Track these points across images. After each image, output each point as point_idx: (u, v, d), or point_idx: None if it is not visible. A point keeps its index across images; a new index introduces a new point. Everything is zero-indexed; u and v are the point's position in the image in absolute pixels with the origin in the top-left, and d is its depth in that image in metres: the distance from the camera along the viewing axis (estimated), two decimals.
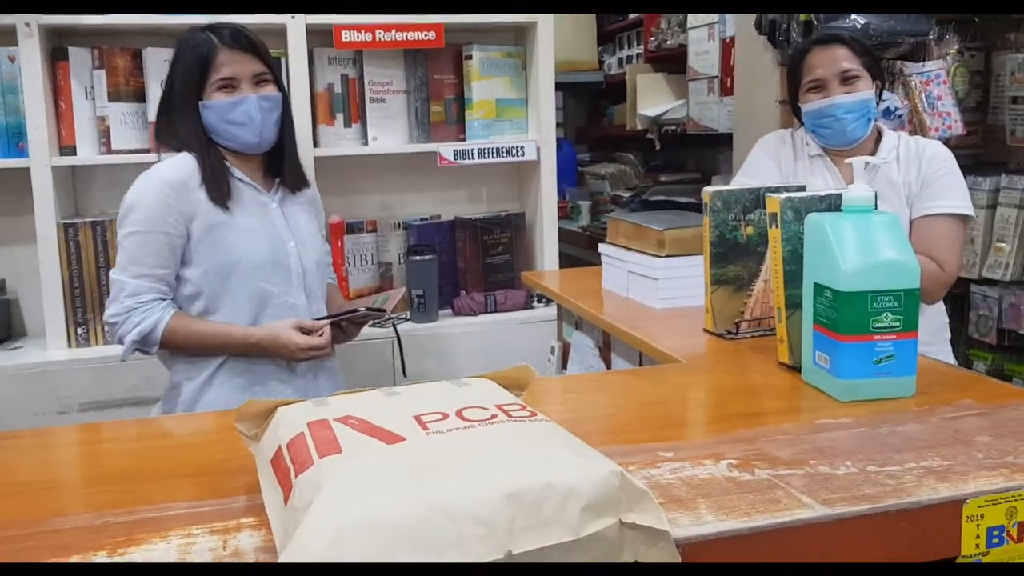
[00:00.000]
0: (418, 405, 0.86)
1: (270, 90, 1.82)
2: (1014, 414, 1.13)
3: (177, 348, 1.81)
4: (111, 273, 1.81)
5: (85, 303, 2.44)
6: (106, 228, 2.43)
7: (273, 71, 1.85)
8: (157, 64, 2.46)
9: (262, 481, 0.86)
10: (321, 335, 1.82)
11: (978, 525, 0.90)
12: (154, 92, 2.46)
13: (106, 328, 1.81)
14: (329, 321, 1.87)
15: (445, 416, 0.82)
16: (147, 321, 1.75)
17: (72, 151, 2.46)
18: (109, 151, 2.47)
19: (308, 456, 0.78)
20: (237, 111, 1.78)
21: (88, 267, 2.43)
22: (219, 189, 1.79)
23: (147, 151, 2.48)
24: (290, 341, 1.79)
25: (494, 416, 0.82)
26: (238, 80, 1.79)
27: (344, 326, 1.93)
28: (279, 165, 1.90)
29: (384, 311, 1.95)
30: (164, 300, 1.79)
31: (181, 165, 1.80)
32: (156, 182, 1.77)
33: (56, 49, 2.45)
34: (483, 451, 0.75)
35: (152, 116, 2.45)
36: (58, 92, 2.44)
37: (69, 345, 2.44)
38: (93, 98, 2.47)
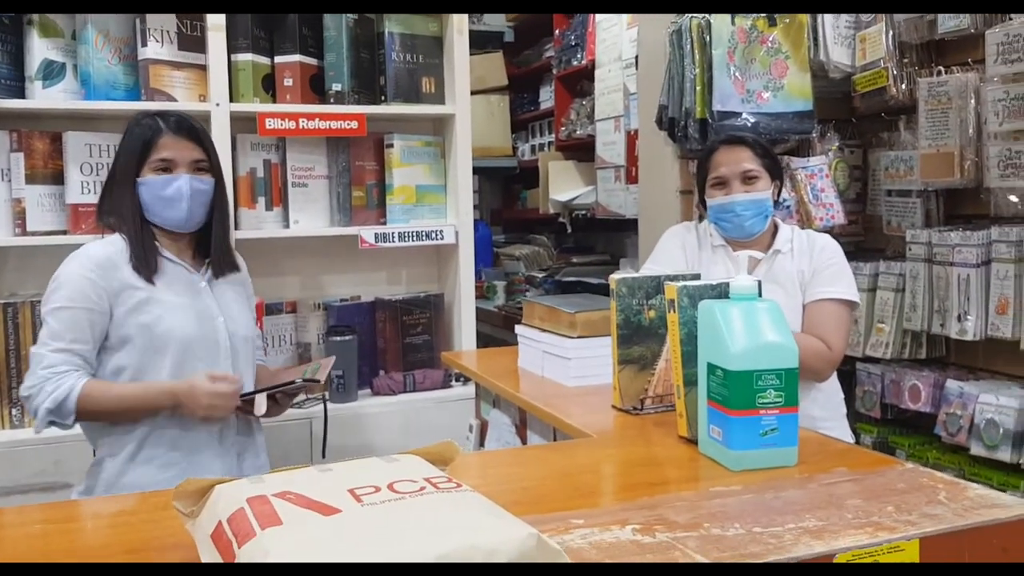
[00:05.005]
0: (351, 480, 0.94)
1: (206, 177, 1.91)
2: (880, 480, 1.27)
3: (95, 415, 1.79)
4: (32, 348, 1.82)
5: None
6: (17, 310, 2.42)
7: (212, 161, 1.94)
8: (77, 148, 2.51)
9: (202, 555, 0.92)
10: (227, 382, 1.81)
11: None
12: (73, 175, 2.50)
13: (23, 402, 1.80)
14: (266, 392, 1.91)
15: (378, 489, 0.91)
16: (60, 389, 1.74)
17: None
18: (24, 233, 2.48)
19: (250, 528, 0.85)
20: (170, 188, 1.86)
21: None
22: (146, 264, 1.85)
23: (63, 232, 2.50)
24: (199, 384, 1.77)
25: (423, 488, 0.91)
26: (176, 164, 1.87)
27: (279, 398, 1.97)
28: (208, 247, 1.97)
29: (319, 381, 1.99)
30: (79, 371, 1.78)
31: (110, 244, 1.87)
32: (82, 259, 1.83)
33: None
34: (414, 519, 0.84)
35: (70, 199, 2.51)
36: None
37: None
38: (9, 180, 2.48)
